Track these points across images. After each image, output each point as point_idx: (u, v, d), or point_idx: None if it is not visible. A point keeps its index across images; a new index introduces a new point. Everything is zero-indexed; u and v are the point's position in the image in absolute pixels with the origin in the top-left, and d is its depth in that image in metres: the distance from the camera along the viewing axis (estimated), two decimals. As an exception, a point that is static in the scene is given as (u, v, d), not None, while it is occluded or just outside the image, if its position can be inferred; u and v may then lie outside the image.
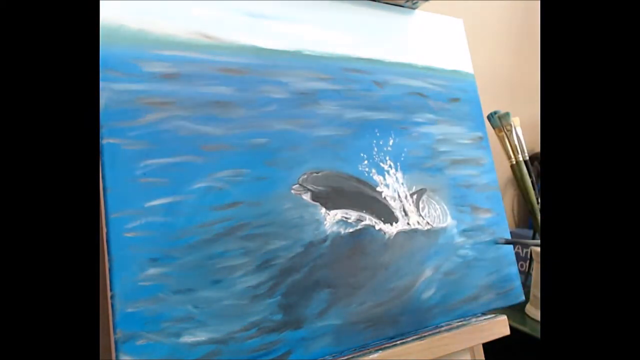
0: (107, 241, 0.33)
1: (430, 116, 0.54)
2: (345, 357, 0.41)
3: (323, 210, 0.43)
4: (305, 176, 0.43)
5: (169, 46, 0.39)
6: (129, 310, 0.32)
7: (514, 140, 0.68)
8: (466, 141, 0.56)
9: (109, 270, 0.33)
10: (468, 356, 0.50)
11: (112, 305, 0.32)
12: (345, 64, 0.49)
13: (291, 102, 0.44)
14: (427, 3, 0.56)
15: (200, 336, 0.35)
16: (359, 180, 0.47)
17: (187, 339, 0.34)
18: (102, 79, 0.35)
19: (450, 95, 0.57)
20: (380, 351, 0.41)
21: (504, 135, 0.69)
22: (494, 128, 0.63)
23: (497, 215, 0.56)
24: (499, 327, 0.51)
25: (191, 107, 0.39)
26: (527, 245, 0.52)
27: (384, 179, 0.49)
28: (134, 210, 0.34)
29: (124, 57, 0.36)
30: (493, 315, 0.52)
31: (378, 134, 0.49)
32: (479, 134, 0.58)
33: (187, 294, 0.35)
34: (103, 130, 0.34)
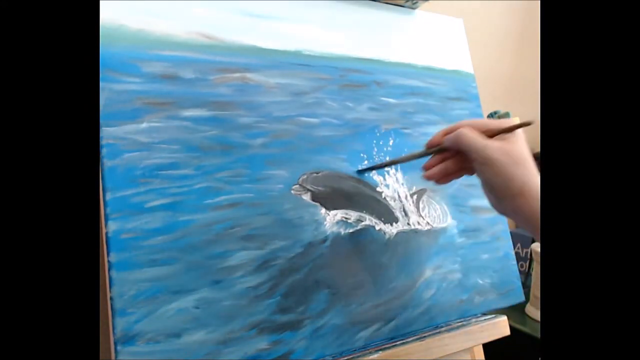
0: (107, 241, 0.33)
1: (430, 116, 0.54)
2: (345, 357, 0.41)
3: (323, 210, 0.43)
4: (305, 176, 0.43)
5: (168, 46, 0.39)
6: (129, 310, 0.32)
7: (514, 140, 0.68)
8: (466, 141, 0.56)
9: (109, 270, 0.33)
10: (468, 356, 0.50)
11: (112, 305, 0.32)
12: (345, 64, 0.49)
13: (291, 102, 0.44)
14: (427, 3, 0.56)
15: (200, 336, 0.35)
16: (359, 181, 0.47)
17: (187, 339, 0.34)
18: (102, 79, 0.35)
19: (451, 95, 0.57)
20: (380, 351, 0.41)
21: (504, 135, 0.69)
22: (494, 128, 0.62)
23: (497, 215, 0.56)
24: (499, 327, 0.51)
25: (191, 107, 0.39)
26: (383, 167, 0.48)
27: (384, 179, 0.49)
28: (134, 211, 0.34)
29: (124, 57, 0.36)
30: (493, 315, 0.52)
31: (378, 134, 0.49)
32: (479, 134, 0.58)
33: (187, 294, 0.35)
34: (103, 130, 0.34)
